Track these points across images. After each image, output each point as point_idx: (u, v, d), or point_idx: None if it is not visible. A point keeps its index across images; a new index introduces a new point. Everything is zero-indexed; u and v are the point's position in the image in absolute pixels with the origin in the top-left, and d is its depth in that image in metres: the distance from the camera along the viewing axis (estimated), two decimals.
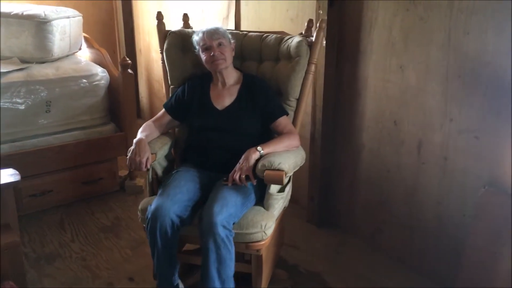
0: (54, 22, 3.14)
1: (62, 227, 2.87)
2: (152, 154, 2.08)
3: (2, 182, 1.93)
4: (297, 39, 2.24)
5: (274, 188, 2.01)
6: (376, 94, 2.47)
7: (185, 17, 2.63)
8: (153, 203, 1.96)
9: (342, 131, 2.69)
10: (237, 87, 2.22)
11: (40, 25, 3.09)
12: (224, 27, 2.64)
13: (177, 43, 2.40)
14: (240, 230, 1.92)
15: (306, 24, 2.34)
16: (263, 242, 1.97)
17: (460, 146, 2.13)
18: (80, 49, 3.55)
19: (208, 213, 1.86)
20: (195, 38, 2.22)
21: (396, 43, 2.32)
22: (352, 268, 2.49)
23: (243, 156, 2.01)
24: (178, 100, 2.27)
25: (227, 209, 1.88)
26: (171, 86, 2.41)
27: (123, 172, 3.40)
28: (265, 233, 1.95)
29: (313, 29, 2.31)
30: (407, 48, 2.27)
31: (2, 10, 3.16)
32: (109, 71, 3.27)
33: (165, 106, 2.29)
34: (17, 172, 2.02)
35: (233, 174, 1.99)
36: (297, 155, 2.09)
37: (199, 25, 3.53)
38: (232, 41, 2.23)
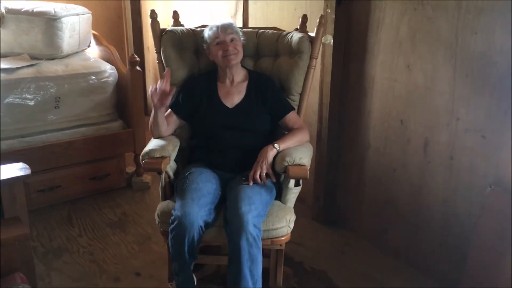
0: (63, 19, 3.16)
1: (70, 222, 2.89)
2: (165, 157, 2.02)
3: (12, 176, 1.96)
4: (298, 34, 2.28)
5: (292, 182, 2.04)
6: (382, 93, 2.48)
7: (175, 15, 2.54)
8: (178, 209, 1.88)
9: (349, 130, 2.70)
10: (245, 84, 2.23)
11: (50, 22, 3.12)
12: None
13: (173, 42, 2.36)
14: (267, 227, 1.94)
15: (300, 19, 2.37)
16: (287, 236, 2.02)
17: (467, 146, 2.14)
18: (89, 46, 3.57)
19: (237, 213, 1.83)
20: (207, 32, 2.21)
21: (404, 43, 2.32)
22: (357, 266, 2.50)
23: (260, 154, 2.03)
24: (184, 100, 2.22)
25: (256, 208, 1.87)
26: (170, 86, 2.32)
27: (130, 169, 3.43)
28: (290, 227, 2.01)
29: (307, 24, 2.35)
30: (415, 48, 2.28)
31: (12, 7, 3.19)
32: (117, 68, 3.30)
33: (171, 106, 2.21)
34: (27, 166, 2.04)
35: (253, 173, 1.99)
36: (309, 149, 2.14)
37: (205, 24, 3.55)
38: (242, 38, 2.24)
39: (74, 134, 3.10)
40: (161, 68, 2.39)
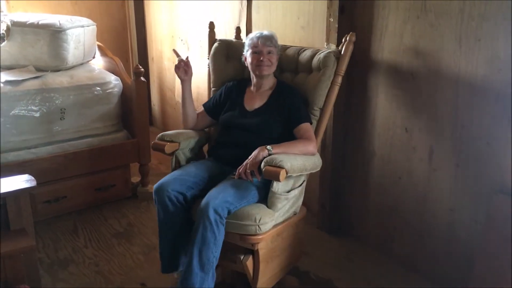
0: (68, 31, 3.19)
1: (76, 233, 2.90)
2: (175, 142, 2.30)
3: (18, 188, 1.97)
4: (326, 51, 2.34)
5: (276, 186, 2.04)
6: (387, 101, 2.48)
7: (238, 30, 2.85)
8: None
9: (353, 138, 2.70)
10: (269, 92, 2.35)
11: (55, 34, 3.15)
12: (236, 35, 2.69)
13: (222, 50, 2.61)
14: (234, 220, 2.00)
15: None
16: (258, 237, 2.02)
17: (472, 153, 2.13)
18: (94, 57, 3.60)
19: (206, 198, 1.99)
20: (248, 40, 2.35)
21: (407, 50, 2.33)
22: (363, 275, 2.49)
23: (253, 152, 2.09)
24: (215, 101, 2.48)
25: (224, 196, 1.98)
26: (213, 89, 2.62)
27: (135, 179, 3.43)
28: (260, 228, 2.00)
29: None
30: (418, 55, 2.28)
31: (18, 20, 3.22)
32: (122, 79, 3.32)
33: (204, 105, 2.52)
34: (32, 178, 2.06)
35: (240, 168, 2.09)
36: (307, 160, 2.13)
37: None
38: (280, 51, 2.39)
39: (80, 145, 3.11)
40: (208, 72, 2.66)
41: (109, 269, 2.54)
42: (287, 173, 1.97)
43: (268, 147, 2.08)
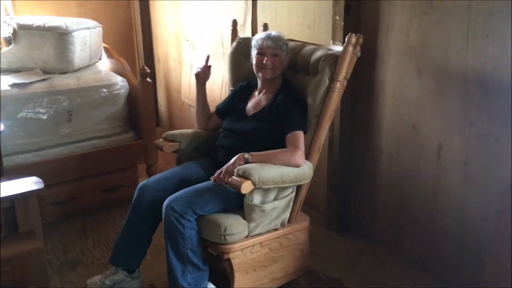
0: (75, 33, 3.20)
1: (84, 234, 2.91)
2: (174, 141, 2.36)
3: (26, 190, 1.98)
4: (322, 52, 2.18)
5: (249, 196, 2.00)
6: (394, 98, 2.47)
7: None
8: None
9: (360, 136, 2.69)
10: (270, 96, 2.25)
11: (61, 37, 3.16)
12: (241, 35, 2.68)
13: (241, 49, 2.53)
14: (204, 224, 2.02)
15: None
16: (226, 246, 2.01)
17: (481, 150, 2.11)
18: (100, 59, 3.61)
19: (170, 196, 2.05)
20: (255, 40, 2.28)
21: (414, 47, 2.31)
22: (372, 274, 2.48)
23: (231, 159, 2.05)
24: (226, 103, 2.47)
25: (186, 196, 2.01)
26: (230, 88, 2.57)
27: (142, 180, 3.42)
28: (225, 238, 1.98)
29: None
30: (425, 52, 2.26)
31: (24, 23, 3.24)
32: (128, 80, 3.33)
33: (216, 106, 2.52)
34: (40, 180, 2.07)
35: (217, 172, 2.06)
36: (288, 171, 2.02)
37: (214, 34, 3.57)
38: (288, 54, 2.27)
39: (87, 147, 3.12)
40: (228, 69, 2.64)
41: None
42: (255, 185, 1.90)
43: (246, 155, 2.03)
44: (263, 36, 2.25)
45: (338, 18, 2.52)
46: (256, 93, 2.34)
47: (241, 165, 1.99)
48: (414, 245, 2.51)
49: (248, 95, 2.36)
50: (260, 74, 2.25)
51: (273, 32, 2.27)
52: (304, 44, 2.36)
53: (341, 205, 2.83)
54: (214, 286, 2.15)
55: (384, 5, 2.41)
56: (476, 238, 2.19)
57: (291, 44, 2.35)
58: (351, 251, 2.70)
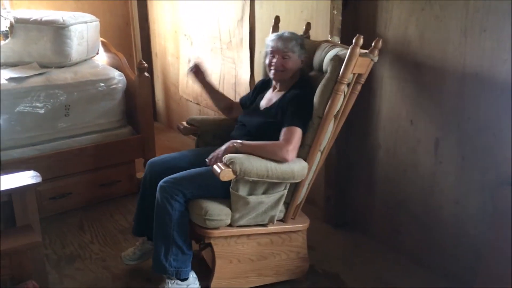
0: (72, 28, 3.19)
1: (82, 229, 2.91)
2: (193, 126, 2.53)
3: (24, 184, 1.97)
4: (334, 51, 2.16)
5: (234, 185, 2.02)
6: (391, 93, 2.47)
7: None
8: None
9: (358, 131, 2.69)
10: (283, 93, 2.27)
11: (58, 31, 3.15)
12: (239, 30, 2.67)
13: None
14: (190, 207, 2.07)
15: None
16: (206, 230, 2.05)
17: (478, 145, 2.12)
18: (97, 53, 3.60)
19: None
20: (267, 39, 2.30)
21: (412, 42, 2.31)
22: (370, 268, 2.49)
23: (223, 145, 2.10)
24: (248, 95, 2.58)
25: (180, 179, 2.07)
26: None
27: (140, 175, 3.42)
28: (206, 220, 2.01)
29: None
30: (423, 47, 2.26)
31: (21, 16, 3.22)
32: (126, 75, 3.32)
33: (241, 97, 2.64)
34: (38, 174, 2.06)
35: (210, 156, 2.12)
36: (273, 166, 1.99)
37: (212, 29, 3.57)
38: (303, 54, 2.26)
39: (84, 141, 3.11)
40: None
41: (116, 264, 2.55)
42: (236, 175, 1.91)
43: (236, 143, 2.05)
44: (275, 37, 2.24)
45: (336, 13, 2.52)
46: (271, 89, 2.38)
47: (233, 152, 2.02)
48: (411, 239, 2.52)
49: (265, 90, 2.42)
50: (269, 74, 2.29)
51: (286, 32, 2.25)
52: (322, 42, 2.36)
53: (338, 199, 2.84)
54: (196, 276, 2.20)
55: (382, 0, 2.41)
56: (473, 233, 2.20)
57: (322, 45, 2.33)
58: (348, 245, 2.71)
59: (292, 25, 2.89)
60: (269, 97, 2.35)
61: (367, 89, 2.58)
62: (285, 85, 2.28)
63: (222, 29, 3.60)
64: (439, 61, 2.21)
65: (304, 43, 2.31)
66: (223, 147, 2.09)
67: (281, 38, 2.22)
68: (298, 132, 2.07)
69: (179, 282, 2.14)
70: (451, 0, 2.10)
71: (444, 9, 2.13)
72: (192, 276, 2.19)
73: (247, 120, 2.33)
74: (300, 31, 2.56)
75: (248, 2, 3.25)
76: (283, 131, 2.08)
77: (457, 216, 2.26)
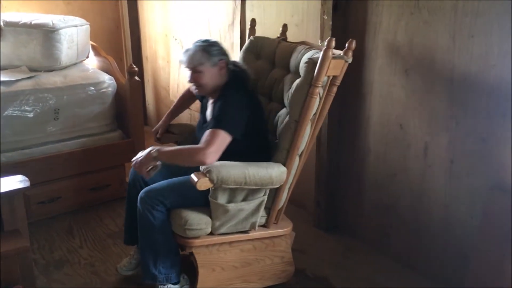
0: (62, 31, 3.17)
1: (71, 233, 2.89)
2: (174, 134, 2.54)
3: (12, 188, 1.96)
4: (309, 54, 2.13)
5: (213, 194, 2.01)
6: (381, 98, 2.48)
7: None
8: None
9: (348, 135, 2.70)
10: (215, 101, 2.21)
11: (48, 34, 3.13)
12: (230, 34, 2.67)
13: (253, 48, 2.51)
14: (170, 216, 2.08)
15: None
16: (187, 240, 2.06)
17: (467, 149, 2.14)
18: (87, 57, 3.58)
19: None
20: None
21: (401, 47, 2.33)
22: (359, 272, 2.49)
23: (146, 150, 2.09)
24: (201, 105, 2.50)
25: (160, 189, 2.07)
26: None
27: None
28: (186, 230, 2.01)
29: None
30: (412, 52, 2.28)
31: (11, 20, 3.20)
32: (116, 79, 3.30)
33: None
34: (26, 179, 2.05)
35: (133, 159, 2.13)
36: (251, 172, 1.98)
37: (203, 32, 3.57)
38: (218, 57, 2.15)
39: (74, 145, 3.09)
40: None
41: (105, 269, 2.53)
42: (213, 183, 1.91)
43: (154, 153, 2.02)
44: (182, 54, 2.16)
45: (326, 17, 2.53)
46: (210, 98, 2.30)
47: (151, 163, 2.04)
48: (400, 243, 2.53)
49: (207, 102, 2.33)
50: (194, 91, 2.28)
51: (190, 48, 2.15)
52: (298, 44, 2.33)
53: (328, 203, 2.84)
54: (187, 277, 2.22)
55: (372, 5, 2.42)
56: (461, 236, 2.21)
57: (284, 44, 2.36)
58: (338, 249, 2.71)
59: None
60: (210, 108, 2.26)
61: (357, 94, 2.60)
62: (215, 94, 2.20)
63: (213, 33, 3.60)
64: (428, 65, 2.22)
65: (215, 45, 2.18)
66: (145, 152, 2.06)
67: (185, 55, 2.14)
68: (221, 134, 1.98)
69: (171, 286, 2.13)
70: (440, 1, 2.11)
71: (433, 13, 2.15)
72: (183, 278, 2.20)
73: (199, 136, 2.20)
74: (290, 35, 2.57)
75: (239, 7, 3.26)
76: (206, 133, 2.01)
77: (446, 220, 2.28)
